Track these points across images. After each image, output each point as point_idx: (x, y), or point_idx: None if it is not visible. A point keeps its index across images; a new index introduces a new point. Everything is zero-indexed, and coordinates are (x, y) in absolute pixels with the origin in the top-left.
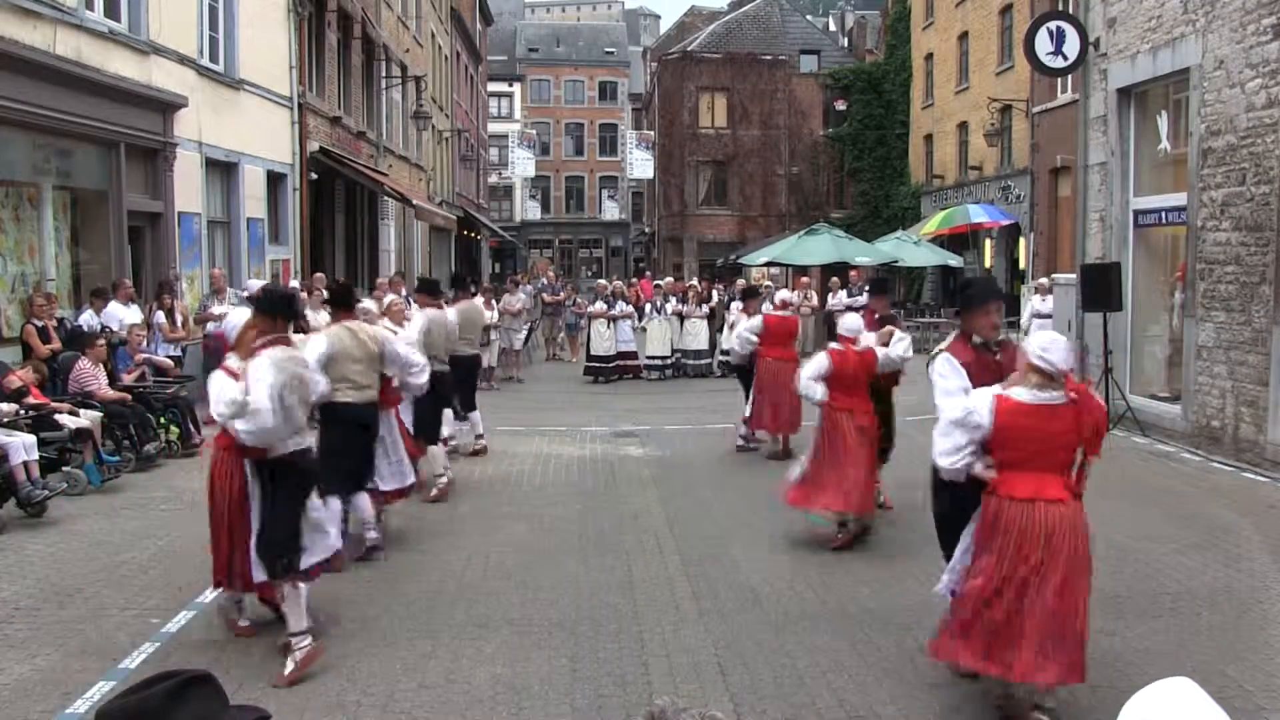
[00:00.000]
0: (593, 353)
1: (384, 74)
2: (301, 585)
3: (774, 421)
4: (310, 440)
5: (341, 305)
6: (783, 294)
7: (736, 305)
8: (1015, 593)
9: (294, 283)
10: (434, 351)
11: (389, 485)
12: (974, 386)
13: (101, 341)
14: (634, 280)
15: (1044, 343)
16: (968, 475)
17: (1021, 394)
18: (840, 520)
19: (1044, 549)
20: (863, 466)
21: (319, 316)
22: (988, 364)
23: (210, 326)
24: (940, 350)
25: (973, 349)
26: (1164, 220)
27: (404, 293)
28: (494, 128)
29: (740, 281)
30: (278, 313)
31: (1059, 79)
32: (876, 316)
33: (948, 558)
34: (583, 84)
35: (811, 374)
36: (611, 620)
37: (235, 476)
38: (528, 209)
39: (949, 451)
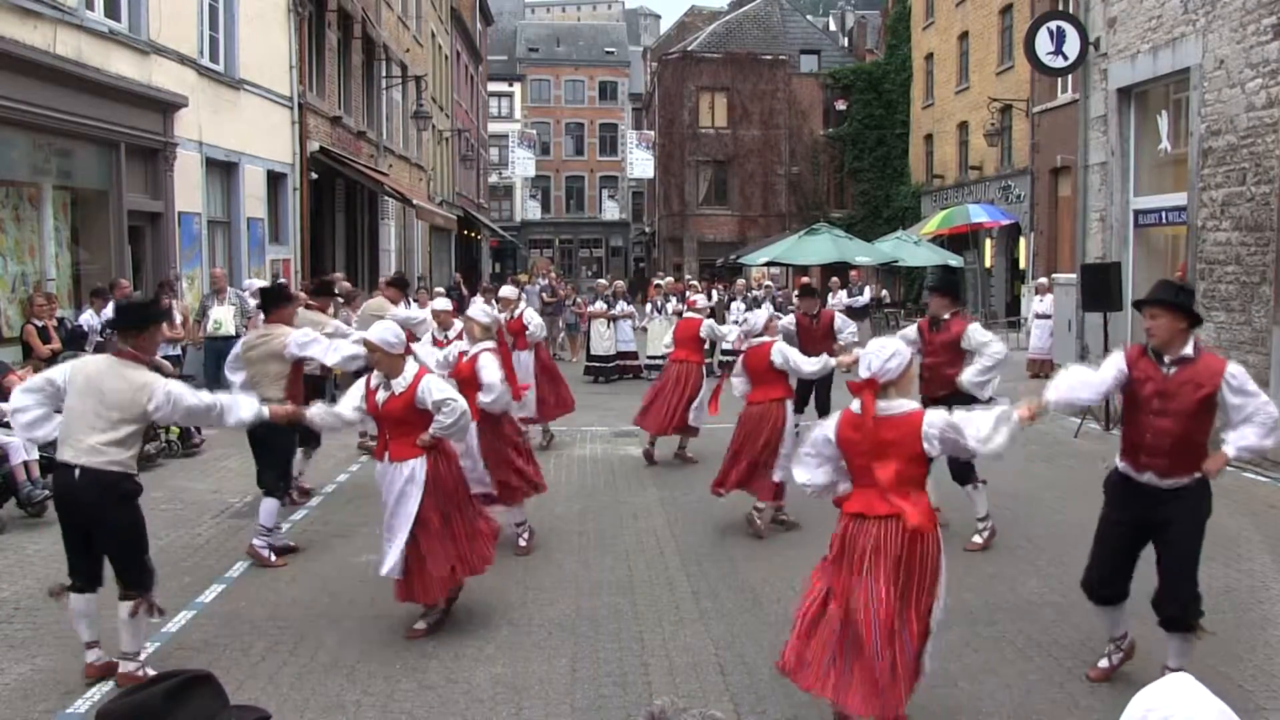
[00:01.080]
0: (593, 353)
1: (384, 74)
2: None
3: (650, 421)
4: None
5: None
6: (696, 296)
7: (738, 305)
8: (824, 605)
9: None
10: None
11: None
12: (1138, 394)
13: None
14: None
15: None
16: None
17: (857, 405)
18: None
19: (867, 564)
20: (748, 455)
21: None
22: (1152, 371)
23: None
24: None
25: (1142, 351)
26: (1164, 220)
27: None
28: (494, 128)
29: (741, 281)
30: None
31: (1059, 79)
32: (929, 318)
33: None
34: (583, 84)
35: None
36: (611, 620)
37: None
38: (528, 209)
39: (803, 477)
